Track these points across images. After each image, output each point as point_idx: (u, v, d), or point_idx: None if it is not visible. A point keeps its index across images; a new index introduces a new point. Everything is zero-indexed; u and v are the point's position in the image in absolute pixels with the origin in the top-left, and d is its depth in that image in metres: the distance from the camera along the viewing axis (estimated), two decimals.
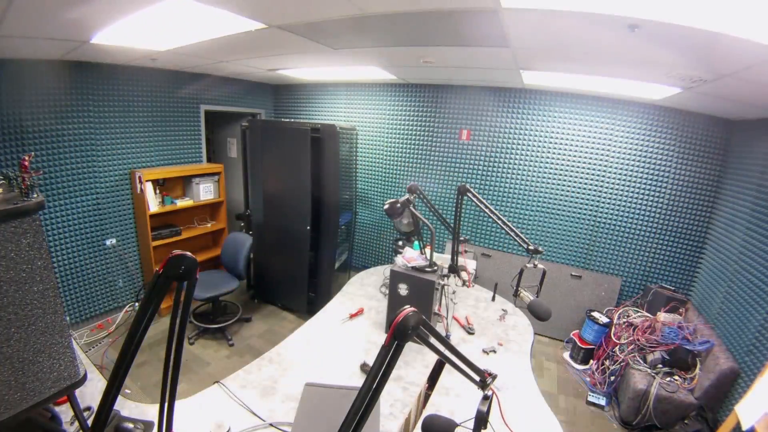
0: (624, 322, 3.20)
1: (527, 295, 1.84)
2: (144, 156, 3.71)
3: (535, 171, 3.83)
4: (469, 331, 2.25)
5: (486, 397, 1.19)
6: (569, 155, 3.68)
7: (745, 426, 1.83)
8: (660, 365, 2.73)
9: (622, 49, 1.86)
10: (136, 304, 3.77)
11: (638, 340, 2.94)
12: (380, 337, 2.14)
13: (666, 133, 3.36)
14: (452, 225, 2.40)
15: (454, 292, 2.64)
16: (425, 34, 2.10)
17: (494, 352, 2.08)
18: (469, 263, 2.89)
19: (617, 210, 3.61)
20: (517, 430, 1.43)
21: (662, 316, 3.05)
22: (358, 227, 4.83)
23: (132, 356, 0.92)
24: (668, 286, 3.43)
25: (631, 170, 3.51)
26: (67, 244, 3.21)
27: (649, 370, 2.73)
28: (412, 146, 4.35)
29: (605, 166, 3.59)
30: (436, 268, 2.05)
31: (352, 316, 2.34)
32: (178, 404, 1.13)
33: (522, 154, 3.85)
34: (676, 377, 2.65)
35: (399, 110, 4.34)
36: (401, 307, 0.87)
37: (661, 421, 2.58)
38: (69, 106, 3.07)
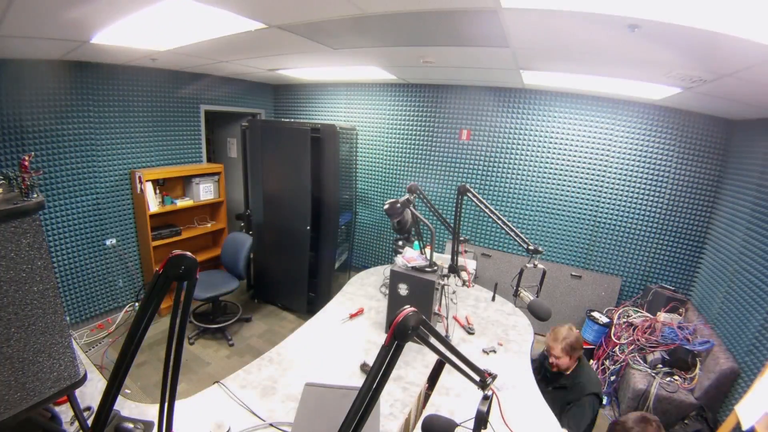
0: (624, 322, 3.19)
1: (527, 295, 1.84)
2: (144, 156, 3.71)
3: (535, 171, 3.83)
4: (469, 331, 2.25)
5: (486, 397, 1.19)
6: (569, 155, 3.68)
7: (745, 426, 1.83)
8: (660, 365, 2.73)
9: (622, 49, 1.86)
10: (136, 304, 3.77)
11: (638, 340, 2.94)
12: (380, 337, 2.14)
13: (666, 133, 3.36)
14: (452, 225, 2.40)
15: (454, 292, 2.64)
16: (425, 34, 2.10)
17: (494, 352, 2.08)
18: (469, 263, 2.90)
19: (617, 210, 3.61)
20: (517, 430, 1.43)
21: (662, 316, 3.05)
22: (358, 227, 4.83)
23: (132, 356, 0.92)
24: (668, 286, 3.43)
25: (631, 170, 3.51)
26: (67, 244, 3.22)
27: (649, 370, 2.73)
28: (412, 146, 4.35)
29: (605, 166, 3.59)
30: (436, 268, 2.05)
31: (352, 316, 2.34)
32: (178, 404, 1.13)
33: (522, 154, 3.85)
34: (676, 377, 2.65)
35: (399, 110, 4.34)
36: (401, 307, 0.87)
37: (661, 421, 2.58)
38: (69, 106, 3.07)
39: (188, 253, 0.91)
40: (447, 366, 1.14)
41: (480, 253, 4.09)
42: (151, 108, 3.70)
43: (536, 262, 1.91)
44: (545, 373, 2.14)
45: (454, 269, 2.49)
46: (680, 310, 3.15)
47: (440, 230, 3.93)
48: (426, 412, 1.56)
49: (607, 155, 3.56)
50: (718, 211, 3.24)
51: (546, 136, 3.73)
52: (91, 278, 3.44)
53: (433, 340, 0.98)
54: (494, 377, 1.20)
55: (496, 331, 2.29)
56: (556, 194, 3.79)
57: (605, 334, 3.25)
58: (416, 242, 2.42)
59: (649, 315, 3.19)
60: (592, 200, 3.68)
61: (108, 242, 3.51)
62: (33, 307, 0.89)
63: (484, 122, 3.94)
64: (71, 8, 1.69)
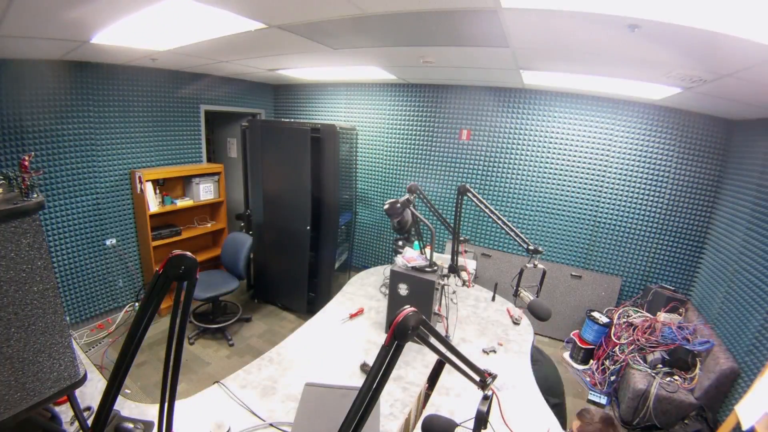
0: (624, 322, 3.19)
1: (527, 295, 1.84)
2: (144, 156, 3.71)
3: (535, 171, 3.83)
4: (516, 322, 2.40)
5: (486, 397, 1.19)
6: (569, 155, 3.68)
7: (745, 426, 1.83)
8: (660, 365, 2.73)
9: (622, 49, 1.86)
10: (136, 304, 3.77)
11: (638, 340, 2.94)
12: (380, 337, 2.14)
13: (666, 133, 3.36)
14: (452, 225, 2.40)
15: (454, 292, 2.64)
16: (425, 34, 2.10)
17: (494, 352, 2.08)
18: (469, 263, 2.90)
19: (617, 210, 3.61)
20: (517, 430, 1.43)
21: (662, 316, 3.05)
22: (358, 227, 4.83)
23: (132, 356, 0.92)
24: (668, 286, 3.43)
25: (631, 170, 3.51)
26: (67, 244, 3.21)
27: (649, 370, 2.73)
28: (412, 146, 4.35)
29: (605, 166, 3.58)
30: (436, 268, 2.05)
31: (352, 316, 2.34)
32: (178, 404, 1.14)
33: (522, 154, 3.85)
34: (676, 377, 2.65)
35: (399, 110, 4.34)
36: (401, 307, 0.87)
37: (661, 421, 2.58)
38: (69, 106, 3.07)
39: (188, 253, 0.91)
40: (447, 366, 1.14)
41: (480, 253, 4.09)
42: (151, 108, 3.70)
43: (536, 262, 1.91)
44: None
45: (454, 269, 2.49)
46: (680, 310, 3.15)
47: (440, 230, 3.93)
48: (426, 412, 1.56)
49: (607, 155, 3.56)
50: (718, 211, 3.24)
51: (546, 136, 3.72)
52: (91, 278, 3.44)
53: (433, 340, 0.98)
54: (494, 377, 1.20)
55: (496, 331, 2.29)
56: (556, 194, 3.79)
57: (605, 334, 3.25)
58: (416, 242, 2.42)
59: (649, 315, 3.19)
60: (592, 200, 3.68)
61: (108, 242, 3.51)
62: (33, 307, 0.89)
63: (484, 122, 3.94)
64: (71, 8, 1.69)
